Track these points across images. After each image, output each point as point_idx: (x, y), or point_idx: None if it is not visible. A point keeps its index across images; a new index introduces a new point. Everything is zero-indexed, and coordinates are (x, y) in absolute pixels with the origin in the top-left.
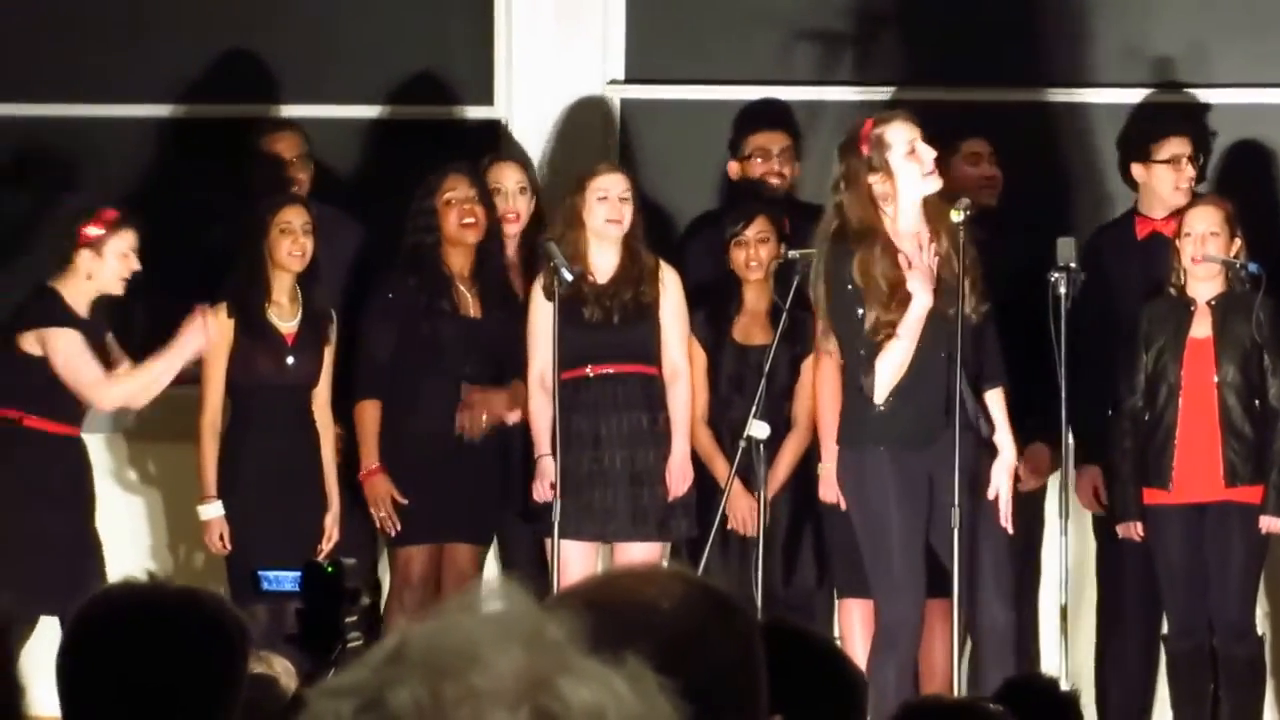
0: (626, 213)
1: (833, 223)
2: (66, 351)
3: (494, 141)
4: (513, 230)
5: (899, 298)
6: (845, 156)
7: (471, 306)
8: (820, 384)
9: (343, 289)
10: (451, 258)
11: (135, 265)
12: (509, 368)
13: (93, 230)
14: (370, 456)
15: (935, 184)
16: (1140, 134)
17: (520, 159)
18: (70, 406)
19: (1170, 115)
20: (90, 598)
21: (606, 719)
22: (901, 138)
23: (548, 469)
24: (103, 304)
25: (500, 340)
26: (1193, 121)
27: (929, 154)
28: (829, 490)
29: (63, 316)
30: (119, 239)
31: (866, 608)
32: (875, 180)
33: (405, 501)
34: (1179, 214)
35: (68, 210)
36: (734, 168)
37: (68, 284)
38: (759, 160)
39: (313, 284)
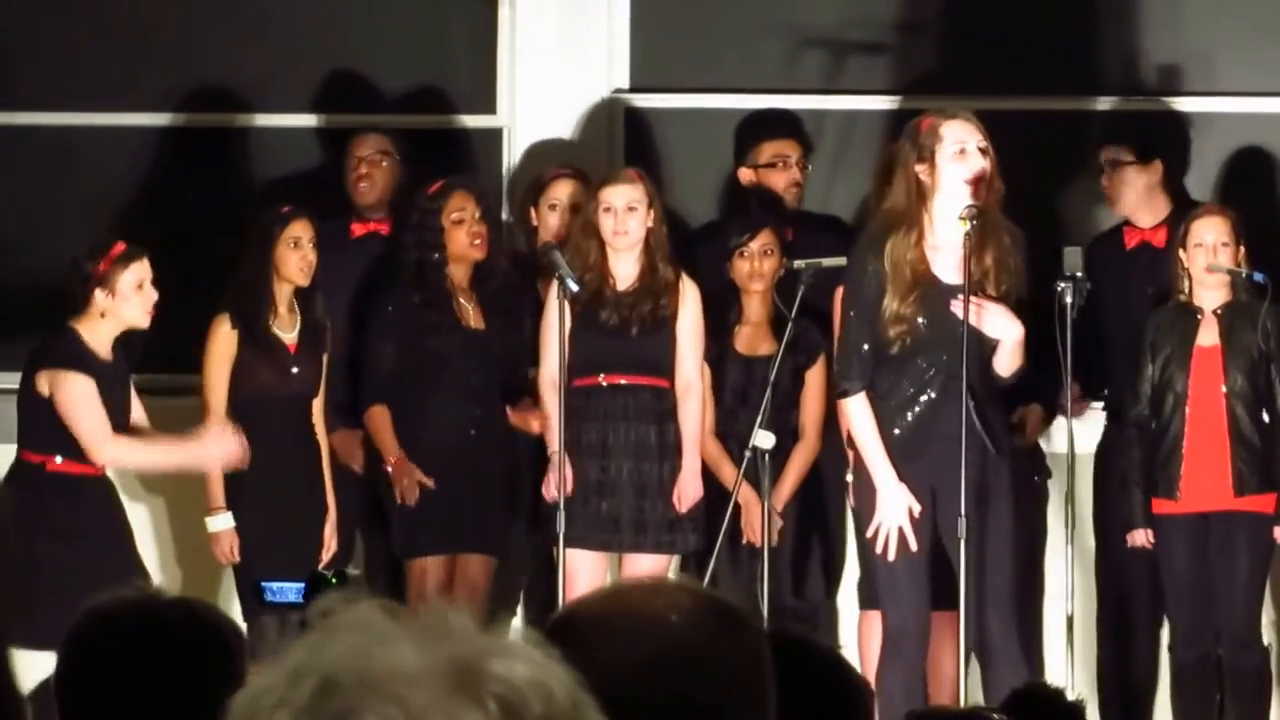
0: (633, 224)
1: (874, 210)
2: (74, 395)
3: (499, 151)
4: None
5: (918, 292)
6: (897, 143)
7: (473, 318)
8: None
9: (343, 298)
10: (453, 271)
11: (153, 295)
12: (514, 378)
13: (102, 268)
14: (391, 450)
15: (966, 195)
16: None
17: (579, 176)
18: None
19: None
20: (83, 614)
21: (549, 687)
22: (954, 136)
23: (560, 467)
24: (126, 342)
25: (504, 350)
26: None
27: (976, 163)
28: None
29: (78, 358)
30: (130, 272)
31: None
32: (921, 170)
33: (431, 483)
34: (1169, 223)
35: (80, 253)
36: (746, 174)
37: (86, 323)
38: (779, 168)
39: (311, 294)
